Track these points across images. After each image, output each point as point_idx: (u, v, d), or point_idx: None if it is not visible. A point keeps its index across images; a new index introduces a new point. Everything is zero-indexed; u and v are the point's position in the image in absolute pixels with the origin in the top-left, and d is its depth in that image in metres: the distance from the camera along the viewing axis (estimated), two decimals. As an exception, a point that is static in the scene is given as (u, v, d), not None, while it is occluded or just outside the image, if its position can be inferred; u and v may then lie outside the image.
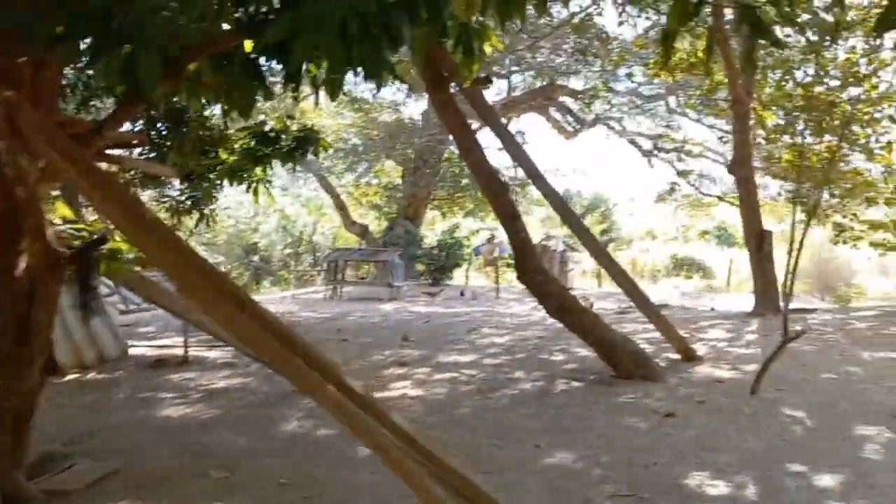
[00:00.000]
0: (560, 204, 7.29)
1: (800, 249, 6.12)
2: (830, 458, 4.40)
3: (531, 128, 57.79)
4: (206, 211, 10.98)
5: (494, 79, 19.56)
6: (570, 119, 21.69)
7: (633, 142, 20.46)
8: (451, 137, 16.14)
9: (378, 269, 20.86)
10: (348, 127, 23.94)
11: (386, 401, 6.01)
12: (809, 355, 7.93)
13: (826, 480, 4.03)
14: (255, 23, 3.70)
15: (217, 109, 8.04)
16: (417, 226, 22.90)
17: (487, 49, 4.83)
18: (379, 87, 3.93)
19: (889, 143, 12.98)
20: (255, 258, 29.44)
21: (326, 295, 19.08)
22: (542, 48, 16.58)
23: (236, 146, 9.93)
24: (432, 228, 27.58)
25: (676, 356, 7.73)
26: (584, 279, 24.54)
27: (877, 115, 12.36)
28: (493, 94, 20.32)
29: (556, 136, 22.73)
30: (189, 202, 10.81)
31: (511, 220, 6.77)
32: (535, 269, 6.71)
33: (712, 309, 14.53)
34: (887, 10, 2.65)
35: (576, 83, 20.07)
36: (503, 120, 21.55)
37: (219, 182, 10.45)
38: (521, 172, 23.01)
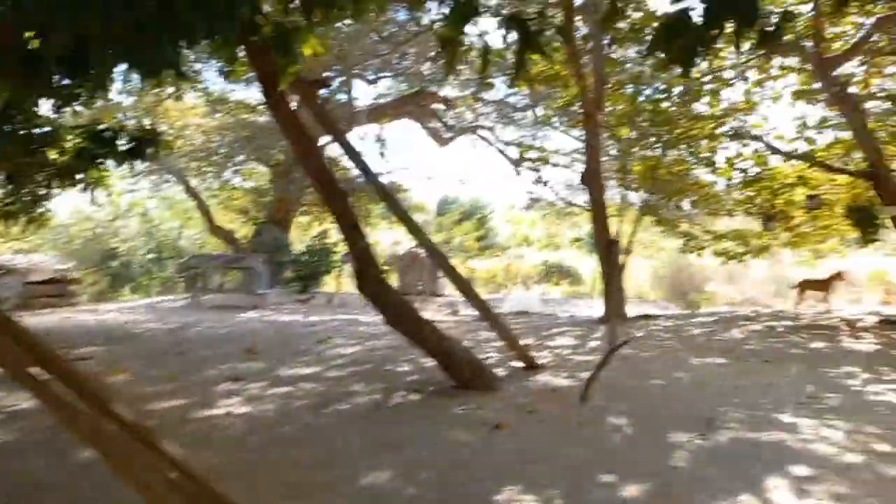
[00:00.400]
0: (399, 211, 7.18)
1: (626, 257, 6.26)
2: (641, 467, 4.47)
3: (407, 134, 58.05)
4: (36, 214, 10.16)
5: (363, 84, 19.42)
6: (442, 126, 21.78)
7: (501, 151, 20.82)
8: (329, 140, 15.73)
9: (242, 277, 20.16)
10: (218, 128, 22.95)
11: (206, 420, 5.67)
12: (644, 362, 8.21)
13: (631, 490, 4.07)
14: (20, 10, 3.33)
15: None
16: (286, 231, 22.28)
17: (307, 51, 4.62)
18: (160, 84, 3.66)
19: (729, 158, 13.83)
20: (115, 263, 27.84)
21: (186, 303, 18.24)
22: (409, 54, 16.54)
23: (67, 146, 9.24)
24: (306, 234, 26.98)
25: (521, 364, 7.81)
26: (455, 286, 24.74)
27: (718, 131, 13.13)
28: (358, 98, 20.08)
29: (432, 143, 22.82)
30: (15, 205, 9.96)
31: (351, 228, 6.58)
32: (374, 279, 6.54)
33: (572, 315, 14.93)
34: (655, 37, 2.68)
35: (449, 91, 20.16)
36: (376, 126, 21.52)
37: (48, 184, 9.69)
38: (389, 178, 23.00)
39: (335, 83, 17.58)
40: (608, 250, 11.88)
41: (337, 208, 6.61)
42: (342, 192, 6.61)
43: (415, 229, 7.10)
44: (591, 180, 12.27)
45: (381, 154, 20.71)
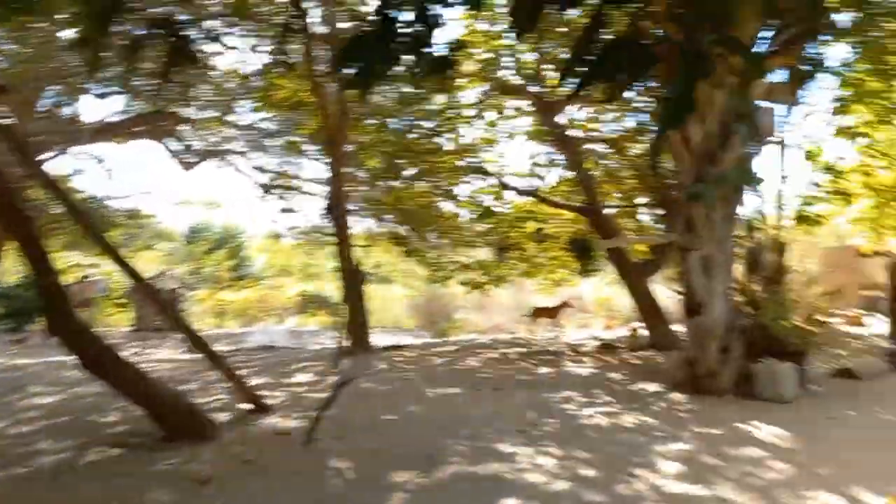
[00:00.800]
0: (101, 239, 6.34)
1: (360, 287, 6.07)
2: (357, 514, 4.20)
3: (150, 156, 54.15)
4: None
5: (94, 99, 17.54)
6: (184, 149, 20.35)
7: (251, 177, 19.91)
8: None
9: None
10: None
11: None
12: (381, 395, 8.03)
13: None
14: None
15: None
16: (-7, 260, 19.33)
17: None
18: None
19: (471, 192, 14.45)
20: None
21: None
22: (143, 70, 15.19)
23: None
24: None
25: (249, 406, 7.22)
26: (203, 319, 23.29)
27: (458, 165, 13.64)
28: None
29: (177, 166, 21.21)
30: None
31: (38, 260, 5.64)
32: (65, 318, 5.64)
33: (321, 348, 14.52)
34: (336, 57, 2.44)
35: (192, 112, 18.85)
36: (109, 145, 19.51)
37: None
38: (127, 203, 21.10)
39: (56, 97, 15.67)
40: (352, 281, 11.71)
41: (20, 236, 5.63)
42: (26, 218, 5.65)
43: (119, 259, 6.28)
44: (335, 210, 12.06)
45: (109, 175, 18.82)
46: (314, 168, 15.97)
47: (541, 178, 14.53)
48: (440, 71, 2.66)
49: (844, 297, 14.87)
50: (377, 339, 16.28)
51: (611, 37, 2.27)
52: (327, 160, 12.67)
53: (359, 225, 14.69)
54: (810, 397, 7.30)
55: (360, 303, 12.14)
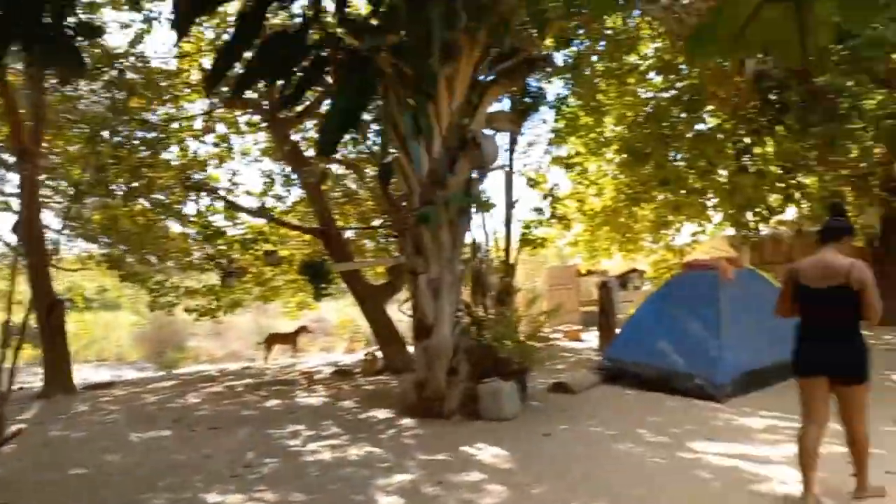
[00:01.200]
0: None
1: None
2: None
3: None
4: None
5: None
6: None
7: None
8: None
9: None
10: None
11: None
12: (74, 445, 6.88)
13: None
14: None
15: None
16: None
17: None
18: None
19: (200, 211, 13.36)
20: None
21: None
22: None
23: None
24: None
25: None
26: None
27: (183, 182, 12.53)
28: None
29: None
30: None
31: None
32: None
33: (19, 388, 12.45)
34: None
35: None
36: None
37: None
38: None
39: None
40: (50, 312, 10.08)
41: None
42: None
43: None
44: (27, 229, 10.29)
45: None
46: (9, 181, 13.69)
47: (278, 197, 13.88)
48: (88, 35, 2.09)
49: (565, 314, 16.08)
50: (91, 374, 14.54)
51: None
52: (20, 171, 10.84)
53: (65, 246, 12.85)
54: (530, 414, 7.49)
55: (59, 335, 10.50)
